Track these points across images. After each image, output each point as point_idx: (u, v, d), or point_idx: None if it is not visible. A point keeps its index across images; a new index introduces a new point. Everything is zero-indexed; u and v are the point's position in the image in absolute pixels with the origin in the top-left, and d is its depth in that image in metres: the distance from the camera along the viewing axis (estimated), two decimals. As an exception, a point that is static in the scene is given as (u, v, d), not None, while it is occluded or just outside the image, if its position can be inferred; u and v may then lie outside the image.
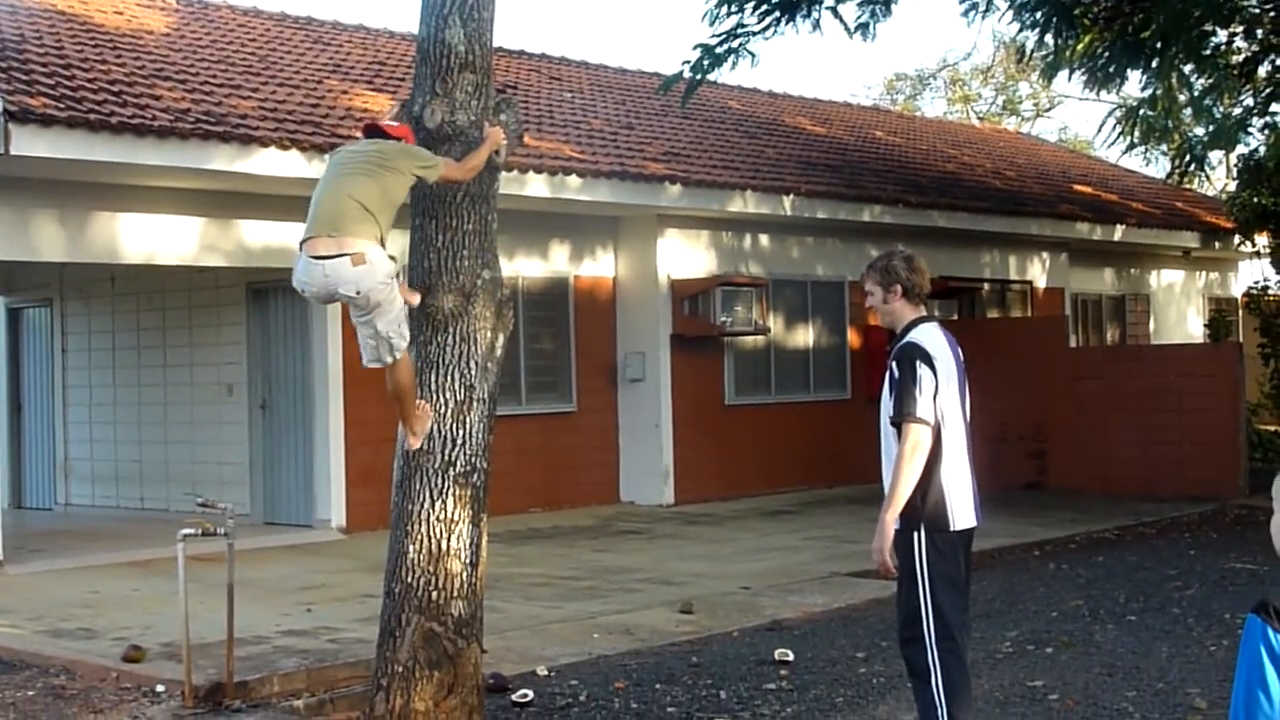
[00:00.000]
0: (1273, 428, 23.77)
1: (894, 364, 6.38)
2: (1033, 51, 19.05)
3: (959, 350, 6.61)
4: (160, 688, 8.53)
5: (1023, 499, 18.27)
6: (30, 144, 12.43)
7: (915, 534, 6.28)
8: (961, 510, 6.34)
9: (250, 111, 14.52)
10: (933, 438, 6.28)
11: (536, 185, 16.01)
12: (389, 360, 6.90)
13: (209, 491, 12.78)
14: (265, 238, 15.15)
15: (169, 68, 15.21)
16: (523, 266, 17.21)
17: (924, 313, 6.63)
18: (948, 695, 6.16)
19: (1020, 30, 19.06)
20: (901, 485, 6.25)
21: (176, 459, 17.62)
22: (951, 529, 6.30)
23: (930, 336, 6.47)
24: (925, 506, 6.29)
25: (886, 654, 9.41)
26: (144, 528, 15.86)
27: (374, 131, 7.23)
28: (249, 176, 14.03)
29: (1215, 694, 8.00)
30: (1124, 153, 24.17)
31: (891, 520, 6.24)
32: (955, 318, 22.52)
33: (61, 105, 12.77)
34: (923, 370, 6.31)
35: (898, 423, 6.30)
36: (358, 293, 6.76)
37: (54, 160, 12.76)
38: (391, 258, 6.87)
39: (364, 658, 8.44)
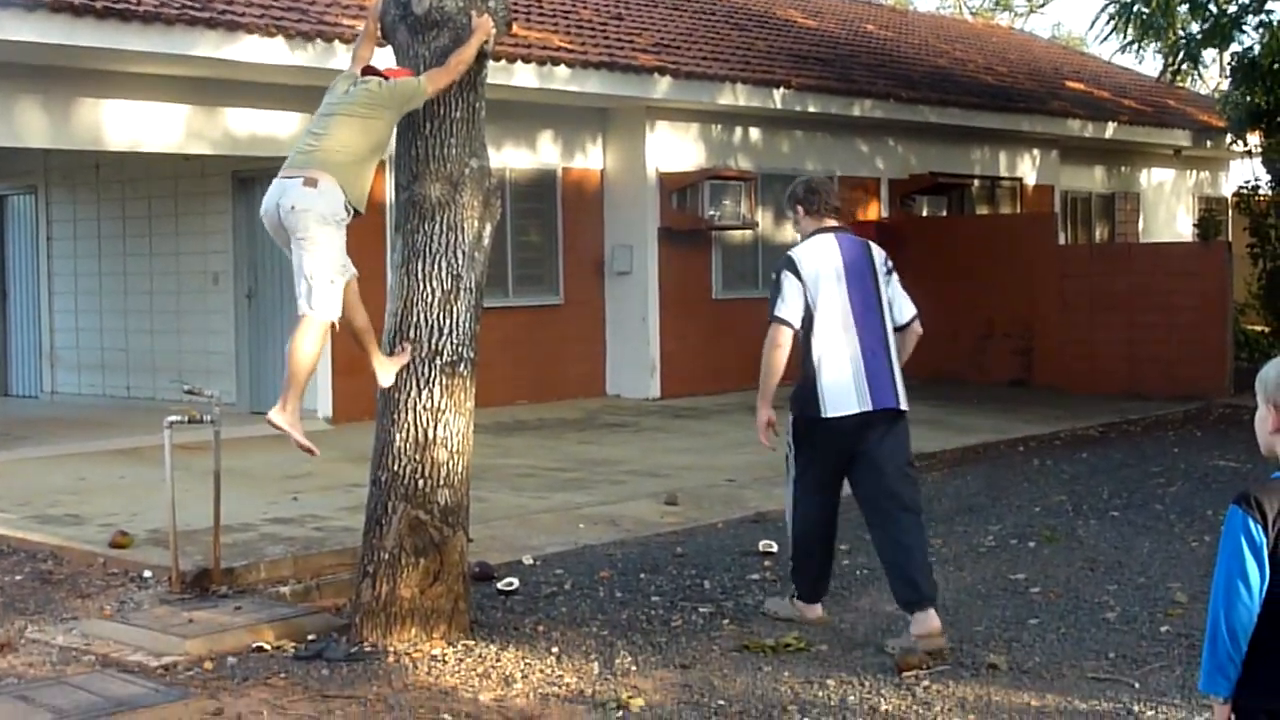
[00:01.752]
0: (1260, 327, 23.80)
1: (774, 273, 7.32)
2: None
3: (866, 254, 7.42)
4: (147, 573, 8.57)
5: (1008, 395, 18.34)
6: (14, 28, 12.27)
7: (790, 418, 7.40)
8: (836, 399, 7.16)
9: (236, -3, 14.34)
10: (800, 334, 7.19)
11: (524, 75, 15.87)
12: (304, 309, 6.80)
13: (195, 380, 12.71)
14: (251, 126, 15.03)
15: (153, -48, 15.00)
16: (510, 158, 17.10)
17: (828, 224, 7.42)
18: (793, 549, 7.58)
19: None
20: (763, 376, 7.32)
21: (162, 348, 17.59)
22: (822, 416, 7.17)
23: (811, 246, 7.31)
24: (798, 395, 7.33)
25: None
26: (130, 416, 15.86)
27: (372, 71, 7.20)
28: (234, 64, 13.89)
29: (1196, 588, 8.07)
30: (1117, 50, 23.93)
31: (762, 405, 7.38)
32: (945, 214, 22.49)
33: (44, -12, 12.60)
34: (785, 276, 7.19)
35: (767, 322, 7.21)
36: (293, 208, 6.73)
37: (38, 45, 12.60)
38: (356, 212, 6.92)
39: (350, 545, 8.47)
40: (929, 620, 6.89)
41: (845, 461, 7.26)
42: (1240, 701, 3.51)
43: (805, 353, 7.22)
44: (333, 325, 6.85)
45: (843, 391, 7.14)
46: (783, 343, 7.22)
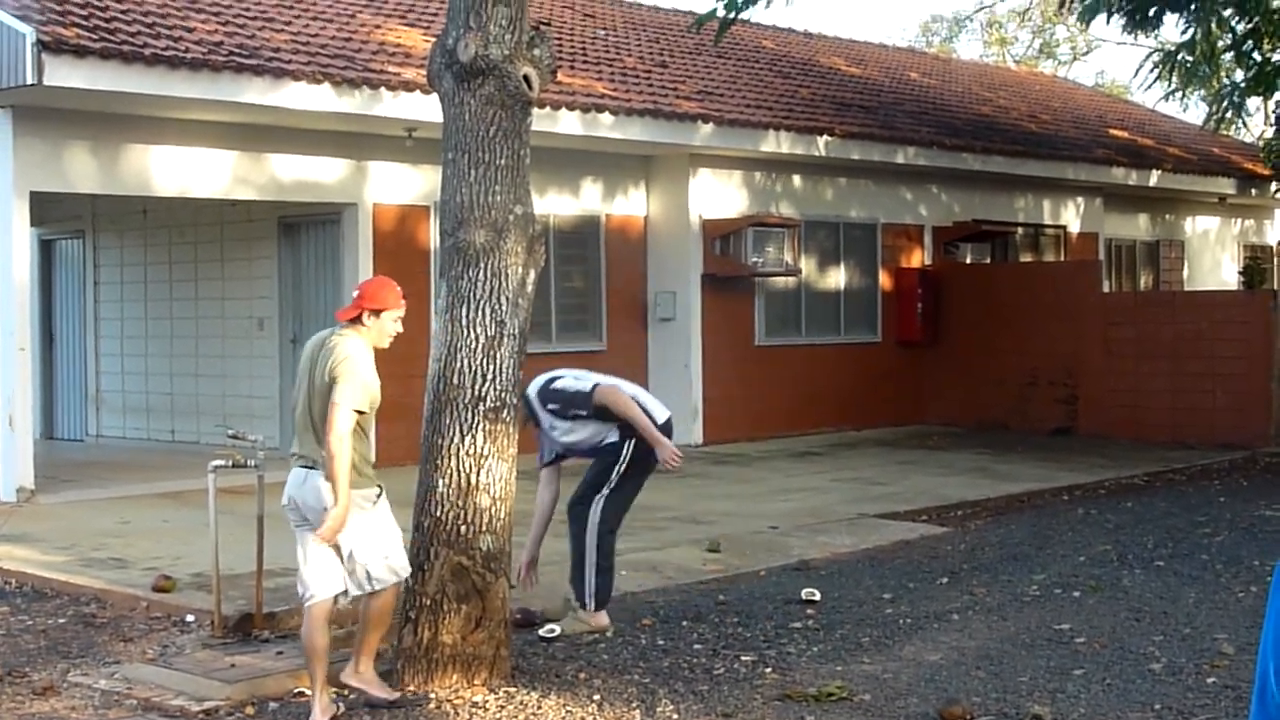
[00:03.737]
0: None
1: (551, 398, 8.64)
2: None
3: None
4: (190, 617, 8.60)
5: (1052, 444, 18.25)
6: (63, 75, 12.43)
7: (630, 440, 8.46)
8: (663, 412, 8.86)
9: (283, 45, 14.48)
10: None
11: (569, 122, 15.95)
12: (367, 589, 6.88)
13: (239, 425, 12.79)
14: (297, 172, 15.16)
15: (202, 0, 15.16)
16: (554, 204, 17.17)
17: None
18: (599, 556, 8.51)
19: (1059, -28, 18.87)
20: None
21: (207, 392, 17.69)
22: (659, 421, 8.60)
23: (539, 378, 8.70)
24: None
25: (913, 595, 9.42)
26: (174, 460, 15.95)
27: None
28: (281, 110, 14.02)
29: (1242, 639, 7.99)
30: (1161, 98, 23.93)
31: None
32: (988, 261, 22.44)
33: (95, 36, 12.76)
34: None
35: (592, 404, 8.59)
36: (326, 510, 6.69)
37: (87, 91, 12.77)
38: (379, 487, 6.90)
39: (392, 591, 8.45)
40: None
41: None
42: None
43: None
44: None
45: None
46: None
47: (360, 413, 6.76)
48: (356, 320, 6.97)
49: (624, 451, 8.47)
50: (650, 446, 8.44)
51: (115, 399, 19.12)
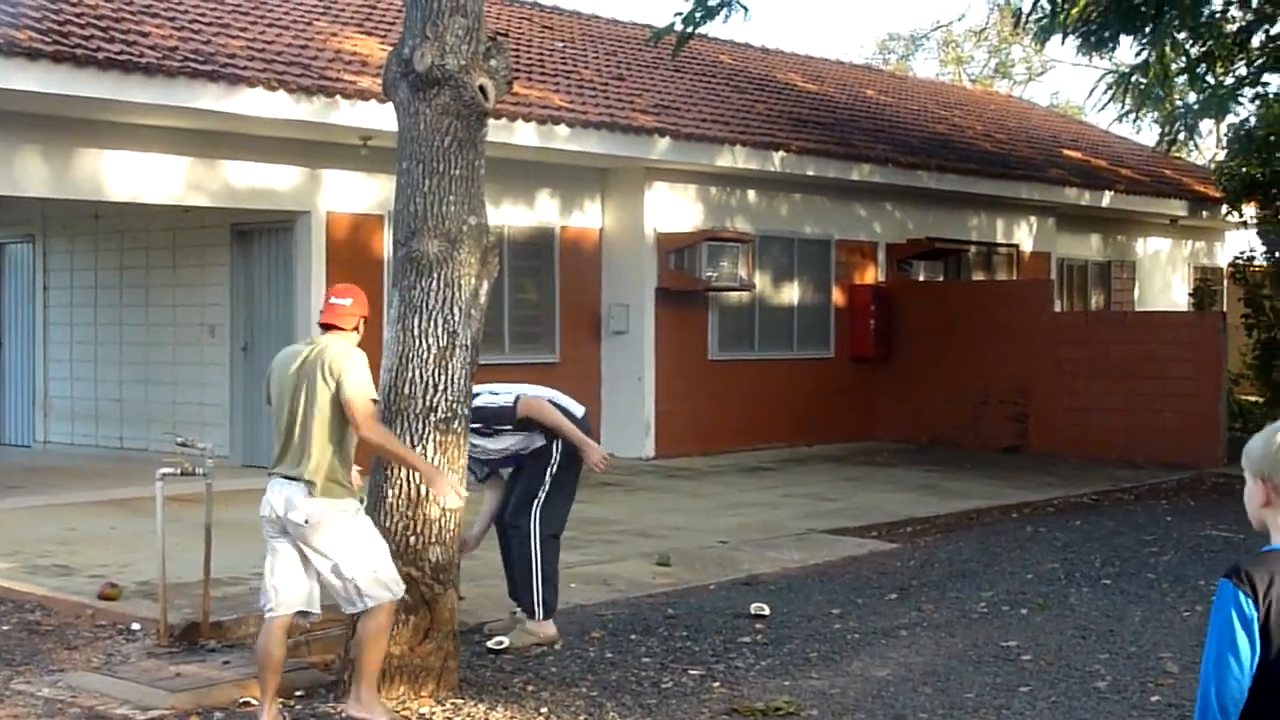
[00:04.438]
0: (1254, 398, 23.82)
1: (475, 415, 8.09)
2: (1028, 15, 18.98)
3: None
4: (136, 626, 8.53)
5: (1002, 461, 18.33)
6: (15, 78, 12.33)
7: (558, 442, 8.45)
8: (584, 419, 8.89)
9: (238, 51, 14.42)
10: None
11: (525, 133, 15.94)
12: (359, 606, 6.79)
13: (189, 432, 12.70)
14: (251, 179, 15.08)
15: (157, 4, 15.07)
16: (509, 216, 17.15)
17: None
18: (544, 563, 8.52)
19: (1015, -8, 19.00)
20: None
21: (157, 399, 17.58)
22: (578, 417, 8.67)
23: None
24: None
25: (862, 611, 9.44)
26: (123, 467, 15.84)
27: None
28: (236, 116, 13.96)
29: (1187, 658, 8.04)
30: (1115, 119, 24.19)
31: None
32: (941, 279, 22.54)
33: (48, 39, 12.66)
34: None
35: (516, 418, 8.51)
36: (305, 521, 6.66)
37: (39, 95, 12.66)
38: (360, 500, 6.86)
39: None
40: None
41: None
42: None
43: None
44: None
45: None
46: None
47: (375, 401, 6.76)
48: (354, 331, 6.91)
49: (553, 454, 8.46)
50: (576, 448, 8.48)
51: (64, 405, 18.97)
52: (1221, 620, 3.40)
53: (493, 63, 7.45)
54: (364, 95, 14.50)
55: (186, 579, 8.84)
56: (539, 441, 8.45)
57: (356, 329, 6.91)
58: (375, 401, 6.76)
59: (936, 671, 7.84)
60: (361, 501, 6.90)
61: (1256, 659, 3.37)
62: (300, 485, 6.63)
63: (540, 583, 8.44)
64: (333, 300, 6.96)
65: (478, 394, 8.14)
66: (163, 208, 15.53)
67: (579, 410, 8.66)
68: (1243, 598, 3.37)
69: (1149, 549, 12.08)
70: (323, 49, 15.68)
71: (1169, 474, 17.09)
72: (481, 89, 7.35)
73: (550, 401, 8.51)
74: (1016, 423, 19.60)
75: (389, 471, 7.16)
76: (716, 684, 7.59)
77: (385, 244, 15.79)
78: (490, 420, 8.25)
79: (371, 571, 6.72)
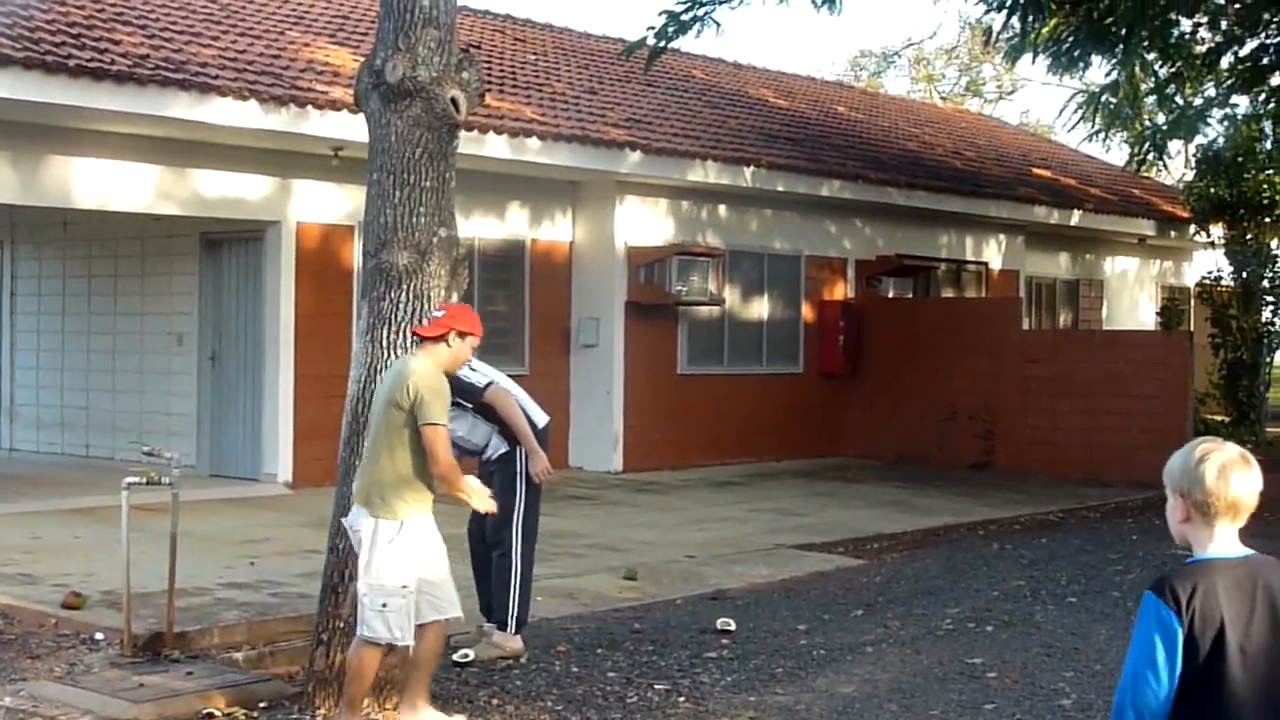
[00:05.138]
0: (1220, 417, 23.97)
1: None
2: (999, 34, 19.05)
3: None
4: (99, 635, 8.48)
5: (970, 478, 18.38)
6: (-15, 83, 12.29)
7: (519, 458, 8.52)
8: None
9: (210, 60, 14.39)
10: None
11: (496, 145, 15.94)
12: (361, 631, 6.76)
13: (156, 442, 12.69)
14: (221, 188, 15.04)
15: (129, 12, 15.04)
16: (480, 228, 17.14)
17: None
18: (524, 577, 8.57)
19: (986, 12, 19.10)
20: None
21: (124, 408, 17.50)
22: (538, 425, 8.71)
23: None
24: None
25: (828, 626, 9.45)
26: (88, 475, 15.75)
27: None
28: (207, 125, 13.92)
29: (1151, 677, 8.05)
30: (1085, 138, 24.32)
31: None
32: (910, 296, 22.60)
33: (18, 45, 12.61)
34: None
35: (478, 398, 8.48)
36: (350, 525, 6.81)
37: (8, 101, 12.61)
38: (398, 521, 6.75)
39: (305, 612, 8.42)
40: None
41: None
42: None
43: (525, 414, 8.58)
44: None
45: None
46: None
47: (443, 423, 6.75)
48: (438, 340, 6.88)
49: (519, 462, 8.50)
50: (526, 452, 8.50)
51: (30, 412, 18.87)
52: (1142, 634, 3.56)
53: (465, 75, 7.45)
54: (335, 106, 14.48)
55: (151, 589, 8.80)
56: (503, 447, 8.48)
57: (443, 340, 6.88)
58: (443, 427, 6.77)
59: (902, 688, 7.85)
60: (402, 523, 6.75)
61: (1178, 671, 3.51)
62: (360, 506, 6.77)
63: (519, 596, 8.46)
64: (434, 312, 7.05)
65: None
66: (132, 216, 15.46)
67: (542, 420, 8.68)
68: (1165, 611, 3.52)
69: (1114, 567, 12.13)
70: (294, 59, 15.65)
71: (1135, 492, 17.14)
72: (453, 101, 7.34)
73: (518, 402, 8.53)
74: (983, 440, 19.66)
75: (356, 483, 7.13)
76: (682, 699, 7.59)
77: (355, 255, 15.76)
78: (456, 392, 8.04)
79: (421, 593, 6.72)
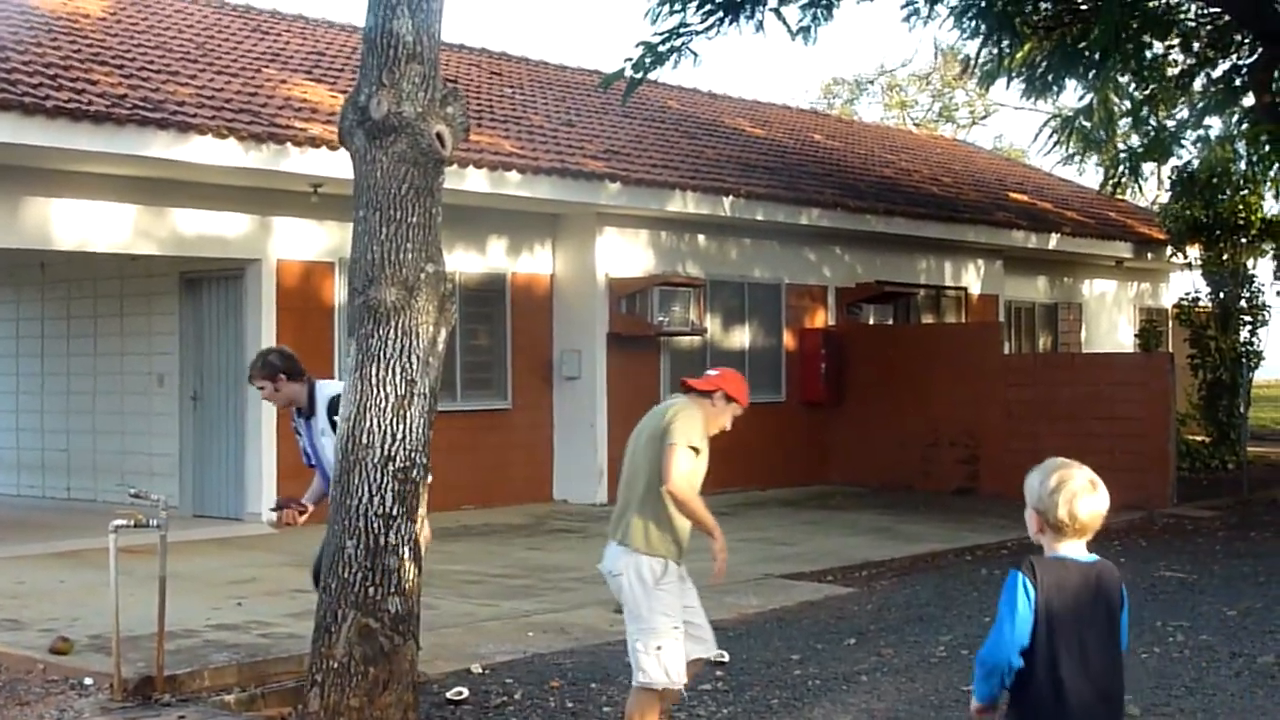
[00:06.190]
0: (1200, 438, 24.03)
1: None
2: (975, 60, 19.16)
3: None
4: (88, 680, 8.40)
5: (954, 504, 18.37)
6: (-37, 126, 12.24)
7: None
8: None
9: (188, 98, 14.36)
10: None
11: (476, 179, 15.94)
12: (638, 679, 6.66)
13: (138, 483, 12.60)
14: (200, 227, 15.01)
15: (105, 52, 15.03)
16: (460, 262, 17.11)
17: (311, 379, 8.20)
18: None
19: (960, 37, 19.20)
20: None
21: (105, 449, 17.40)
22: None
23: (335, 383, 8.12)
24: None
25: (821, 656, 9.41)
26: (71, 518, 15.65)
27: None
28: (185, 164, 13.90)
29: (1148, 700, 8.05)
30: (1060, 162, 24.52)
31: None
32: (891, 322, 22.62)
33: (-5, 87, 12.57)
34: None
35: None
36: (609, 571, 6.76)
37: (-13, 143, 12.57)
38: (663, 559, 6.70)
39: (296, 653, 8.36)
40: None
41: None
42: None
43: None
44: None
45: None
46: None
47: (694, 449, 6.66)
48: (705, 394, 6.90)
49: None
50: None
51: (10, 455, 18.76)
52: (1009, 597, 4.41)
53: (449, 110, 7.43)
54: (314, 142, 14.46)
55: (139, 632, 8.72)
56: None
57: (710, 396, 6.90)
58: (695, 450, 6.69)
59: (899, 717, 7.83)
60: (666, 565, 6.74)
61: (1030, 632, 4.38)
62: (616, 543, 6.75)
63: None
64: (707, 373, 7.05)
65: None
66: (110, 256, 15.42)
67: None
68: (1029, 583, 4.38)
69: (1104, 590, 12.08)
70: (272, 96, 15.64)
71: (1120, 515, 17.07)
72: (439, 136, 7.32)
73: None
74: (967, 465, 19.66)
75: (347, 522, 7.08)
76: (679, 733, 7.54)
77: (336, 291, 15.76)
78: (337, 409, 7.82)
79: (654, 649, 6.61)
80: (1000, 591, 4.48)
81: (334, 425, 7.75)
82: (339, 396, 7.75)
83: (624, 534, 6.69)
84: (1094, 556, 4.47)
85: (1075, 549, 4.47)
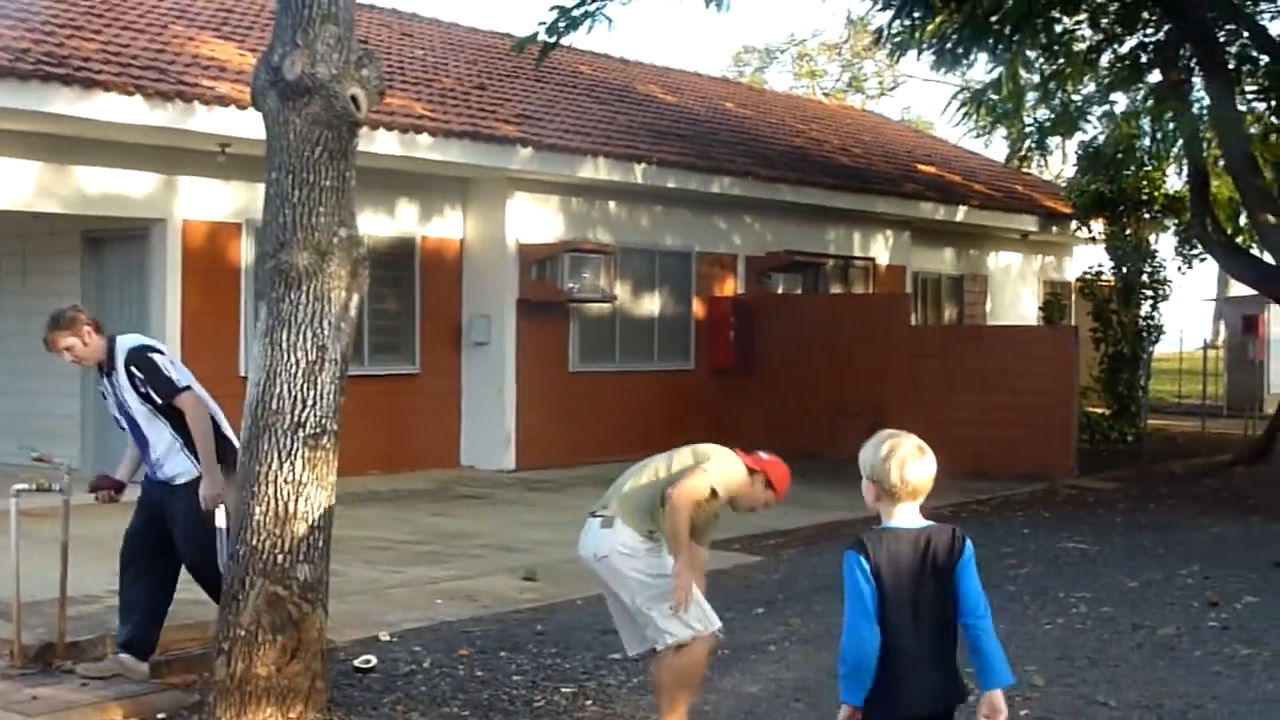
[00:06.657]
0: (1101, 410, 24.34)
1: (140, 363, 7.78)
2: (886, 31, 19.19)
3: None
4: (-13, 647, 8.26)
5: (858, 473, 18.42)
6: None
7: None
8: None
9: (93, 54, 14.10)
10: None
11: (387, 142, 15.79)
12: (656, 645, 6.62)
13: (39, 444, 12.35)
14: (104, 185, 14.75)
15: (8, 5, 14.72)
16: (370, 225, 16.93)
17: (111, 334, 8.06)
18: None
19: (872, 8, 19.23)
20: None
21: (6, 410, 17.10)
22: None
23: (140, 335, 8.21)
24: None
25: (730, 625, 9.39)
26: (-32, 480, 15.35)
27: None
28: (90, 121, 13.64)
29: (1052, 671, 8.15)
30: (969, 134, 24.68)
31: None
32: (800, 291, 22.69)
33: (-107, 39, 12.29)
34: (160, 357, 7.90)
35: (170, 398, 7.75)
36: (594, 555, 6.70)
37: (-117, 96, 12.28)
38: (653, 534, 6.69)
39: (200, 619, 8.27)
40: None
41: None
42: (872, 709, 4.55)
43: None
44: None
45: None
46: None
47: (715, 491, 6.68)
48: (749, 470, 6.95)
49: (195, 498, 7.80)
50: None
51: (-95, 415, 18.39)
52: (851, 585, 4.54)
53: (365, 72, 7.32)
54: (222, 101, 14.26)
55: (40, 598, 8.57)
56: (189, 473, 7.85)
57: (753, 473, 6.97)
58: (714, 491, 6.70)
59: (807, 687, 7.86)
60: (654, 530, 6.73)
61: (876, 603, 4.51)
62: (597, 520, 6.81)
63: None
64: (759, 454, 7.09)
65: (162, 353, 7.96)
66: (12, 214, 15.12)
67: (237, 443, 7.51)
68: (863, 560, 4.53)
69: (1007, 561, 12.24)
70: (179, 53, 15.39)
71: (1022, 486, 17.34)
72: (353, 99, 7.21)
73: (213, 420, 7.82)
74: (872, 434, 19.72)
75: (256, 489, 6.99)
76: (589, 702, 7.55)
77: (243, 253, 15.56)
78: (150, 378, 7.75)
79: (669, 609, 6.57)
80: (842, 576, 4.60)
81: (134, 382, 7.77)
82: (139, 349, 7.86)
83: (609, 504, 6.76)
84: (928, 522, 4.69)
85: (908, 515, 4.68)
